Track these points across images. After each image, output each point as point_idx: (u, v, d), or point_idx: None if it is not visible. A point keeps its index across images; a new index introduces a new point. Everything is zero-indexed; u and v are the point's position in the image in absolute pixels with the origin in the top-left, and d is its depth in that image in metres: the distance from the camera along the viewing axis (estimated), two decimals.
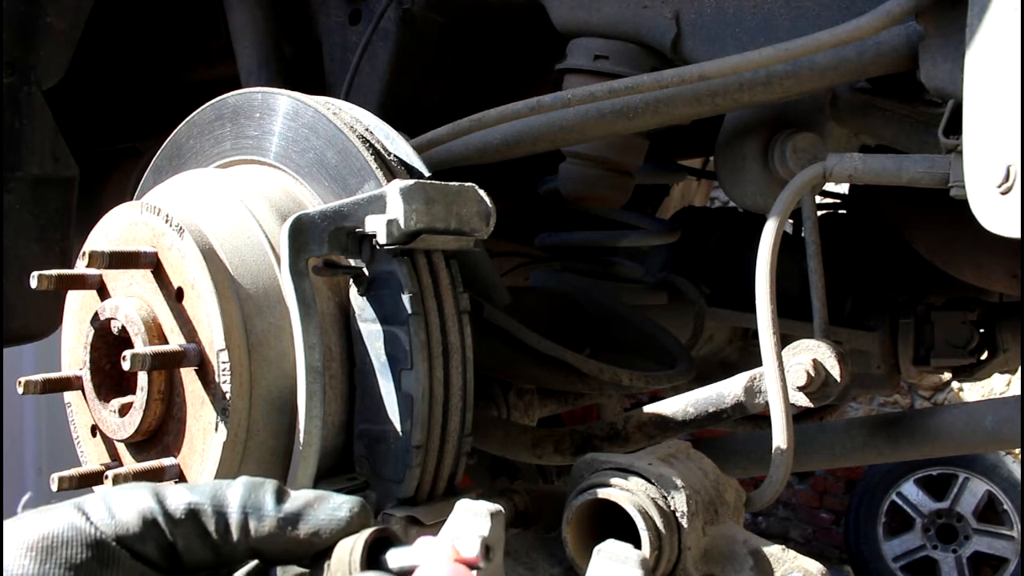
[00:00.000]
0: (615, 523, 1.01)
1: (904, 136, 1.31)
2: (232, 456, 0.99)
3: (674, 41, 1.36)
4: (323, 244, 0.98)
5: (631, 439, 1.34)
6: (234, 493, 0.66)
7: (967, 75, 0.99)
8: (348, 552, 0.64)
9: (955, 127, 1.05)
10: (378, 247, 1.00)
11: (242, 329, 1.00)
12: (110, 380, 1.09)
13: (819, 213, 2.32)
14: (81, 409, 1.12)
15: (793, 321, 1.69)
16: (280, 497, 0.66)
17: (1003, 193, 0.93)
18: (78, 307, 1.13)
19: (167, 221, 1.03)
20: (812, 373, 1.18)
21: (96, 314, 1.07)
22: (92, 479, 1.06)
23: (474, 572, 0.63)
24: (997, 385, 5.42)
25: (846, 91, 1.33)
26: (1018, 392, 3.72)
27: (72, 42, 1.77)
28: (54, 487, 1.03)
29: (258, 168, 1.14)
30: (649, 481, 1.01)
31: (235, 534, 0.65)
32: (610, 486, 1.01)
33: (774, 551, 1.00)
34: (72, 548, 0.61)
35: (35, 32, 1.72)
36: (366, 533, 0.65)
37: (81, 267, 1.05)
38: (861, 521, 5.45)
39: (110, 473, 1.00)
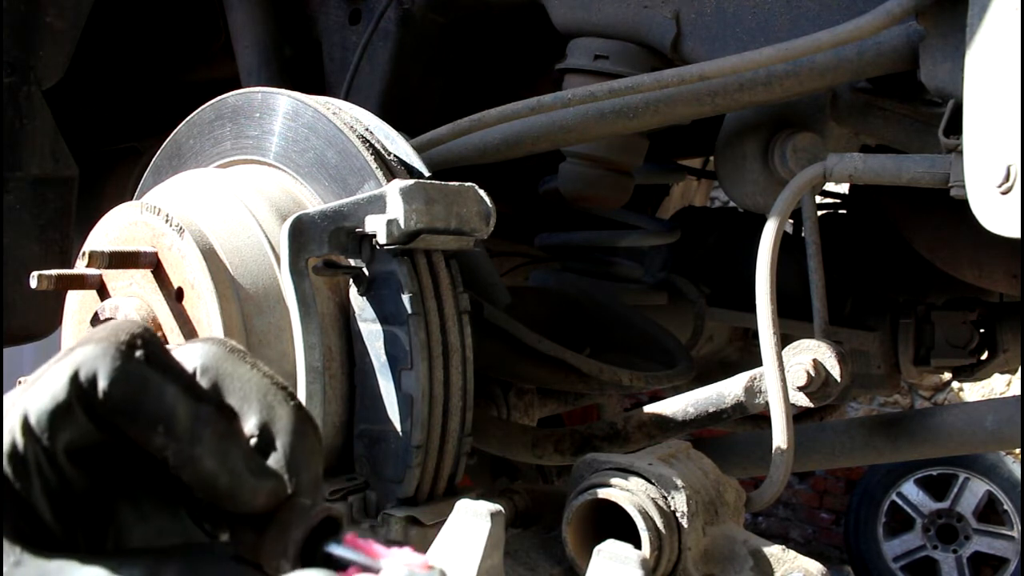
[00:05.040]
0: (615, 523, 1.01)
1: (904, 136, 1.31)
2: None
3: (674, 41, 1.36)
4: (323, 244, 0.98)
5: (631, 439, 1.34)
6: None
7: (967, 75, 0.99)
8: (283, 542, 0.49)
9: (955, 127, 1.05)
10: (378, 247, 1.00)
11: (242, 329, 1.00)
12: None
13: (819, 213, 2.32)
14: None
15: (793, 321, 1.69)
16: None
17: (1003, 193, 0.93)
18: (78, 307, 1.13)
19: (167, 221, 1.03)
20: (812, 373, 1.18)
21: (96, 314, 1.07)
22: None
23: None
24: (997, 385, 5.41)
25: (846, 91, 1.33)
26: (1018, 392, 3.71)
27: (72, 42, 1.77)
28: None
29: (258, 168, 1.14)
30: (649, 481, 1.01)
31: None
32: (610, 486, 1.01)
33: (774, 551, 1.00)
34: None
35: (35, 32, 1.72)
36: (303, 522, 0.50)
37: (81, 267, 1.05)
38: (861, 521, 5.44)
39: None
